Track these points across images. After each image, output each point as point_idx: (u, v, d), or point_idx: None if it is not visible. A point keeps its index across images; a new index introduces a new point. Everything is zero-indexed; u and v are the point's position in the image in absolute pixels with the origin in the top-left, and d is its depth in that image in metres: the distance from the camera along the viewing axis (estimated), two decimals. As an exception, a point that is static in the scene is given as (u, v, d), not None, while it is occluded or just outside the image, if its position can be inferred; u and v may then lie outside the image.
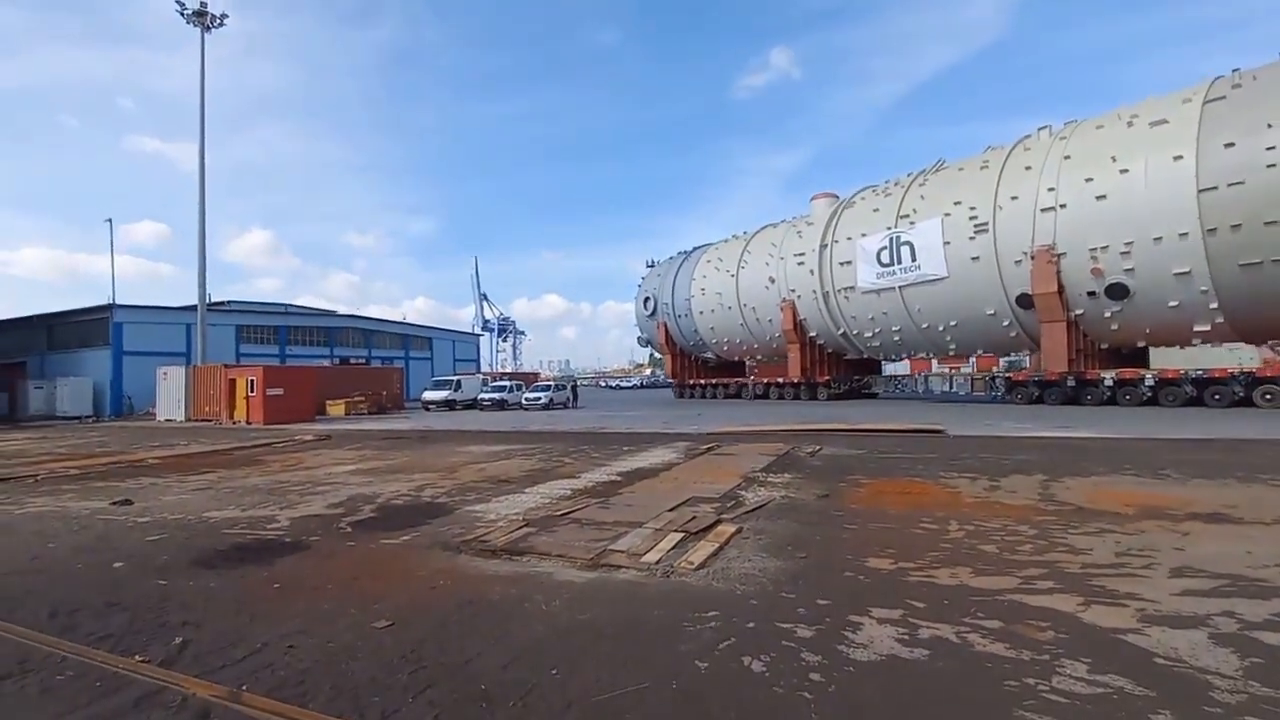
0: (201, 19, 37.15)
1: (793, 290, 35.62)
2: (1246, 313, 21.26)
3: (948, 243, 27.78)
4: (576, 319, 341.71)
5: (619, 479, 9.87)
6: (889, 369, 42.87)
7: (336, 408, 33.10)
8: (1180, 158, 21.10)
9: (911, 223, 29.45)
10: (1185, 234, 21.06)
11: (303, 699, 3.14)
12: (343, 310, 61.97)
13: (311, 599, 4.67)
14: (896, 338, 32.22)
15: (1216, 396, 21.68)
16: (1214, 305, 21.45)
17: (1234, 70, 21.90)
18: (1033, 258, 24.88)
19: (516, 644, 3.74)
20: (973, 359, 38.56)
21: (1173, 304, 22.19)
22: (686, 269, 43.77)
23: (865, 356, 36.35)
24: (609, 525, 6.58)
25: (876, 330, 32.59)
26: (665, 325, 45.47)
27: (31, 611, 4.50)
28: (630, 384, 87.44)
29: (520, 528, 6.52)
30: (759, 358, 42.21)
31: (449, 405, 36.49)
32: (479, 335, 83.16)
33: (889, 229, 30.38)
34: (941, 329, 29.62)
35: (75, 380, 37.97)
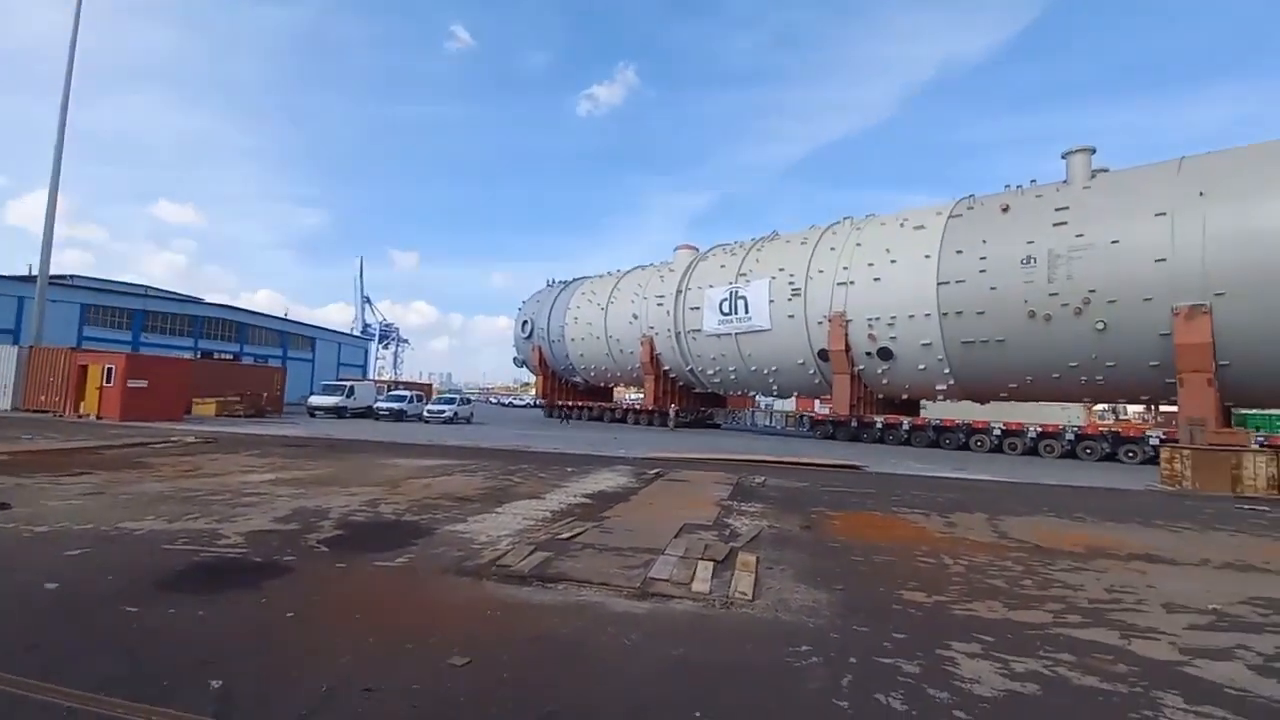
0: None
1: (651, 327, 39.70)
2: (967, 378, 26.82)
3: (772, 301, 32.66)
4: (447, 329, 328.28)
5: (591, 502, 9.54)
6: (765, 402, 48.70)
7: (206, 407, 29.49)
8: (929, 256, 26.74)
9: (748, 280, 34.29)
10: (929, 315, 26.54)
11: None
12: (211, 299, 55.78)
13: (347, 631, 4.04)
14: (733, 376, 36.72)
15: (947, 440, 26.76)
16: (947, 371, 26.96)
17: (971, 195, 28.12)
18: (830, 321, 29.88)
19: (627, 685, 3.45)
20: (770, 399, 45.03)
21: (921, 367, 27.56)
22: (563, 299, 47.06)
23: (709, 391, 40.63)
24: (627, 551, 6.31)
25: (717, 369, 37.00)
26: (540, 349, 48.75)
27: (-28, 648, 3.52)
28: (523, 402, 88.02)
29: (533, 552, 6.07)
30: (622, 385, 46.56)
31: (339, 413, 33.68)
32: (368, 340, 77.97)
33: (730, 284, 35.14)
34: (766, 372, 34.33)
35: None
